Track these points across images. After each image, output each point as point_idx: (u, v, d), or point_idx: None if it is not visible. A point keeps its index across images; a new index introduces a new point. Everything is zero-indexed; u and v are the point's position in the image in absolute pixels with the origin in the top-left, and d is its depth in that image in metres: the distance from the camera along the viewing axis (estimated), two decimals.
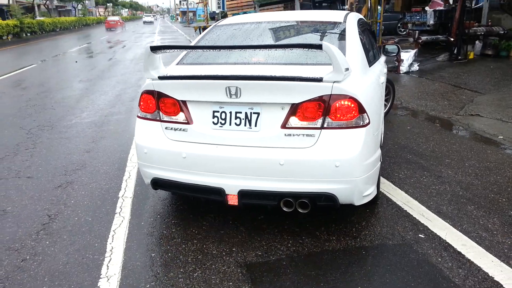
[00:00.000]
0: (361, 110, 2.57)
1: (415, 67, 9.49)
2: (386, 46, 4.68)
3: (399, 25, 14.50)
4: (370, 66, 3.25)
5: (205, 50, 3.20)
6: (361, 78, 2.82)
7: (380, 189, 3.57)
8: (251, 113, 2.66)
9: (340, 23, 3.45)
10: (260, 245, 2.89)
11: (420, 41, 9.72)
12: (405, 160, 4.36)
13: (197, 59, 3.25)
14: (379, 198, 3.47)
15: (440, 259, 2.65)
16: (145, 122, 2.93)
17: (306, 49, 2.82)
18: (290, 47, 2.71)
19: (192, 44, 3.49)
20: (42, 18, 32.63)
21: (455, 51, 9.77)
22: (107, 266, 2.70)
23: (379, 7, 10.34)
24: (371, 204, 3.28)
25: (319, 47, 2.40)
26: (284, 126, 2.61)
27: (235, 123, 2.69)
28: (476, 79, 8.00)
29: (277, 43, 3.39)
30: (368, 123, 2.61)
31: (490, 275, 2.50)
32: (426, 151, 4.61)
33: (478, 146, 4.78)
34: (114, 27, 41.84)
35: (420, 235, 2.94)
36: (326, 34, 3.39)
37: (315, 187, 2.60)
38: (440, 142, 4.91)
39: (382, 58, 4.48)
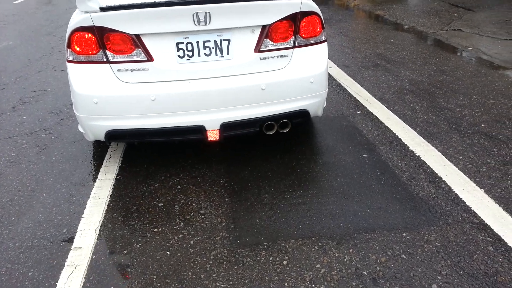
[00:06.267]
0: (322, 25, 2.75)
1: None
2: None
3: None
4: None
5: None
6: None
7: (341, 83, 4.40)
8: (220, 40, 2.54)
9: None
10: None
11: None
12: (374, 64, 5.09)
13: None
14: (336, 87, 4.30)
15: (364, 125, 3.53)
16: (86, 66, 2.50)
17: None
18: None
19: None
20: None
21: None
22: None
23: None
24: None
25: None
26: (258, 49, 2.60)
27: (205, 54, 2.55)
28: None
29: None
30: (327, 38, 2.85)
31: (396, 134, 3.36)
32: (397, 58, 5.30)
33: (445, 54, 5.41)
34: None
35: (357, 111, 3.79)
36: None
37: (293, 106, 2.75)
38: (413, 51, 5.56)
39: None
